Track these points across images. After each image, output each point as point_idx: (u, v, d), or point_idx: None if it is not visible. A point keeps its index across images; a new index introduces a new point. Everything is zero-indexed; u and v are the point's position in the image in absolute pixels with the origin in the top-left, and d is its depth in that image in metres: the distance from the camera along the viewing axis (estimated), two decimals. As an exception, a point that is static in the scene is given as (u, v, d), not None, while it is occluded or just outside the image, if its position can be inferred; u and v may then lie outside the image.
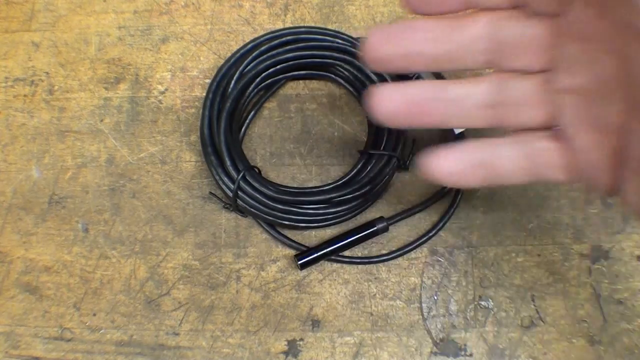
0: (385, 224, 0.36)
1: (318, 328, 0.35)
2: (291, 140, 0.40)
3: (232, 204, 0.36)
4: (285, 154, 0.40)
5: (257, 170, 0.37)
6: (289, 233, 0.37)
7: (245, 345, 0.35)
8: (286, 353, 0.35)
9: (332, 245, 0.36)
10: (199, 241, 0.37)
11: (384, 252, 0.37)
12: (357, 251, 0.37)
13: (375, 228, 0.36)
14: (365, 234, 0.36)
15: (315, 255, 0.35)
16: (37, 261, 0.37)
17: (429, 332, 0.35)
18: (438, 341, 0.35)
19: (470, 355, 0.34)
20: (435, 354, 0.34)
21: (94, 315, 0.36)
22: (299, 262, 0.35)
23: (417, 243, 0.37)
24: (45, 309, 0.36)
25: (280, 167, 0.39)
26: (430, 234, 0.37)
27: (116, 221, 0.38)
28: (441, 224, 0.38)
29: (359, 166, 0.37)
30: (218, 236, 0.37)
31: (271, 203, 0.35)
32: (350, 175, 0.37)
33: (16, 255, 0.37)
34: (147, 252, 0.37)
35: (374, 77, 0.39)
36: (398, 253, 0.37)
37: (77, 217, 0.38)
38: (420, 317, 0.35)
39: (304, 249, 0.36)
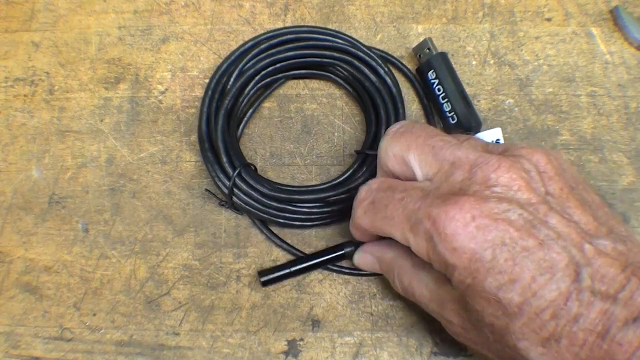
0: (353, 248, 0.35)
1: (318, 328, 0.35)
2: (291, 140, 0.40)
3: (228, 201, 0.36)
4: (285, 154, 0.40)
5: (253, 168, 0.37)
6: (282, 234, 0.37)
7: (245, 345, 0.35)
8: (286, 353, 0.35)
9: (296, 266, 0.35)
10: (199, 241, 0.37)
11: (384, 252, 0.37)
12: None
13: (342, 252, 0.35)
14: (332, 257, 0.35)
15: (278, 274, 0.35)
16: (37, 261, 0.37)
17: (429, 332, 0.35)
18: (438, 341, 0.35)
19: (471, 355, 0.34)
20: (436, 354, 0.34)
21: (94, 315, 0.36)
22: (262, 280, 0.35)
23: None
24: (45, 309, 0.36)
25: (280, 167, 0.39)
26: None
27: (116, 221, 0.38)
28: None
29: (355, 166, 0.37)
30: (218, 236, 0.37)
31: (266, 200, 0.35)
32: (346, 175, 0.37)
33: (16, 255, 0.37)
34: (147, 252, 0.37)
35: (374, 78, 0.39)
36: (398, 253, 0.37)
37: (77, 217, 0.38)
38: (421, 317, 0.35)
39: (298, 252, 0.36)
